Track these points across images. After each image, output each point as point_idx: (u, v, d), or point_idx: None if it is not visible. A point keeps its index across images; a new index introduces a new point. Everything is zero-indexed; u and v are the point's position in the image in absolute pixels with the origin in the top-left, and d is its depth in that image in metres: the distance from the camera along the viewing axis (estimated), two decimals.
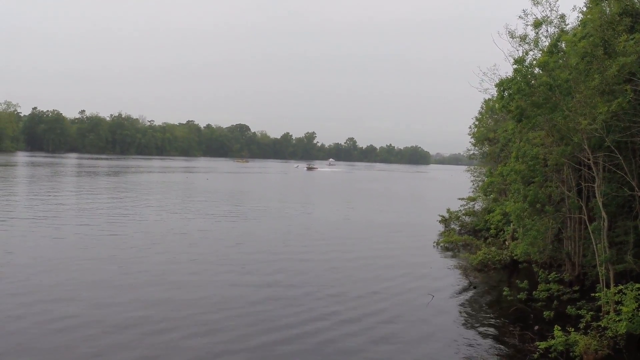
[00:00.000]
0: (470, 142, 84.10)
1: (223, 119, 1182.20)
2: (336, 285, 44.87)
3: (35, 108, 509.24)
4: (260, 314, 35.88)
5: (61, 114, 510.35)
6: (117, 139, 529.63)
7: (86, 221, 69.55)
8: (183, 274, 45.45)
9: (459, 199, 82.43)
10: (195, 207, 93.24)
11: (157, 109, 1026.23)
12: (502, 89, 40.23)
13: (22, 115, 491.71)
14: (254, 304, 37.92)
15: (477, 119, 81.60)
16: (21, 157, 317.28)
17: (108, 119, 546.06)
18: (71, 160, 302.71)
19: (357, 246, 64.23)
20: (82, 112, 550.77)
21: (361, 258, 57.08)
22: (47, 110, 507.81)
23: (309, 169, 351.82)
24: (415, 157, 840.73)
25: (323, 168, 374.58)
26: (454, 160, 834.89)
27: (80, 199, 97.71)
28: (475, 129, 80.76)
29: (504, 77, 43.81)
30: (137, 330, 31.61)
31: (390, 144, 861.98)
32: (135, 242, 57.39)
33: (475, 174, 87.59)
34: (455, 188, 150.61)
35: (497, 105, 46.65)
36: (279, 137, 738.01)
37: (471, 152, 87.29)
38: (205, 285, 42.29)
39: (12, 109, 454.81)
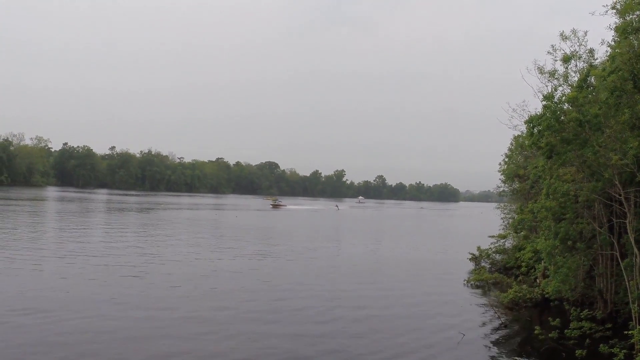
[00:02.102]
0: (500, 179, 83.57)
1: (252, 157, 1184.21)
2: (365, 322, 44.52)
3: (65, 143, 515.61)
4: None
5: (91, 149, 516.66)
6: (146, 175, 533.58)
7: (116, 259, 69.27)
8: (227, 323, 43.79)
9: (490, 236, 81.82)
10: (227, 245, 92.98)
11: (186, 146, 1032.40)
12: (531, 125, 40.03)
13: (52, 150, 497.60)
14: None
15: (506, 156, 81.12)
16: (51, 192, 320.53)
17: (138, 155, 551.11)
18: (101, 195, 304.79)
19: (387, 284, 63.71)
20: (112, 148, 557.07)
21: (391, 296, 56.57)
22: (78, 146, 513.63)
23: (274, 206, 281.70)
24: (444, 194, 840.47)
25: (294, 206, 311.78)
26: (484, 197, 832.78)
27: (109, 235, 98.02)
28: (505, 166, 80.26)
29: (534, 113, 43.69)
30: None
31: (420, 182, 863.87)
32: (166, 283, 56.73)
33: (505, 211, 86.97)
34: (485, 225, 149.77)
35: (526, 141, 46.39)
36: (308, 174, 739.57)
37: (501, 189, 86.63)
38: (254, 335, 41.05)
39: (42, 144, 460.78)
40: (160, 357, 33.73)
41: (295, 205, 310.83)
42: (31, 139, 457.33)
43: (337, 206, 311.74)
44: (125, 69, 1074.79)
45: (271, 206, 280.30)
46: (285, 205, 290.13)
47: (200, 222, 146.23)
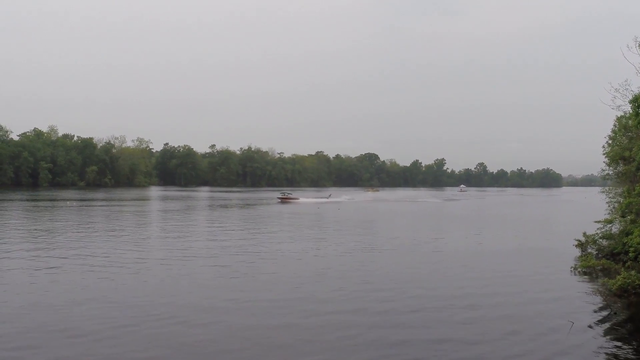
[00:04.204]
0: (604, 161, 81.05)
1: (351, 149, 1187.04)
2: (470, 310, 43.90)
3: (166, 144, 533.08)
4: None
5: (192, 148, 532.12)
6: (247, 172, 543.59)
7: (219, 257, 69.90)
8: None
9: (595, 221, 79.67)
10: (336, 238, 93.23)
11: (285, 142, 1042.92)
12: (636, 104, 38.62)
13: (154, 151, 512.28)
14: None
15: (610, 138, 78.69)
16: (155, 191, 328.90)
17: (238, 152, 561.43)
18: (204, 193, 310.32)
19: (492, 272, 62.58)
20: (213, 146, 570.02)
21: (497, 284, 55.77)
22: (179, 146, 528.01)
23: (283, 200, 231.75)
24: (547, 180, 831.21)
25: (311, 199, 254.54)
26: (587, 181, 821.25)
27: (216, 232, 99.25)
28: (609, 148, 77.83)
29: (637, 92, 42.12)
30: None
31: (521, 168, 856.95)
32: (287, 283, 56.39)
33: (610, 195, 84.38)
34: (590, 210, 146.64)
35: (631, 122, 44.90)
36: (408, 164, 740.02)
37: (605, 172, 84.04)
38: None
39: (144, 145, 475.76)
40: None
41: (309, 199, 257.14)
42: (132, 141, 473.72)
43: (329, 195, 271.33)
44: (222, 73, 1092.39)
45: (279, 200, 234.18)
46: (298, 199, 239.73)
47: (303, 216, 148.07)
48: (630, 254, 62.14)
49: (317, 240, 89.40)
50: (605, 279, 55.28)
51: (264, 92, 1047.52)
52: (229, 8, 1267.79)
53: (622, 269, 57.80)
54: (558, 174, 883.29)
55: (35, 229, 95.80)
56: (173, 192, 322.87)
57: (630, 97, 41.82)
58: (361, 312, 43.05)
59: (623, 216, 70.60)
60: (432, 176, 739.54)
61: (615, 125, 76.87)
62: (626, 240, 65.04)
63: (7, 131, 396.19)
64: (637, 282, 51.48)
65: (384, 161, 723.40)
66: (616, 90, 59.30)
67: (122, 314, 40.77)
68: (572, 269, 64.55)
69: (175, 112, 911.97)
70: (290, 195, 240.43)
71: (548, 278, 60.13)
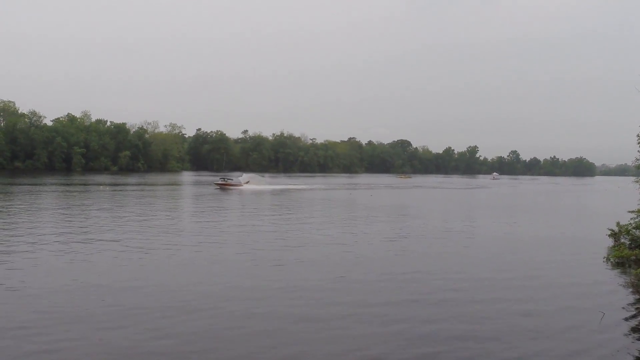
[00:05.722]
0: (638, 151, 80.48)
1: (384, 135, 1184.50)
2: (499, 300, 43.79)
3: (199, 129, 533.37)
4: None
5: (224, 134, 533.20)
6: (279, 157, 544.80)
7: (250, 244, 69.79)
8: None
9: (629, 211, 79.19)
10: (370, 226, 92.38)
11: (317, 129, 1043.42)
12: None
13: (186, 136, 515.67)
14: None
15: None
16: (187, 176, 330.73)
17: (270, 138, 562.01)
18: (236, 178, 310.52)
19: (521, 261, 62.31)
20: (245, 132, 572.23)
21: (526, 272, 55.82)
22: (211, 131, 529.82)
23: (222, 186, 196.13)
24: (580, 169, 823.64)
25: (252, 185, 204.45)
26: (621, 171, 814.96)
27: (245, 218, 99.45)
28: None
29: None
30: None
31: (554, 156, 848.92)
32: (312, 270, 57.04)
33: None
34: (623, 200, 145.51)
35: None
36: (440, 151, 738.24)
37: (639, 161, 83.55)
38: None
39: (177, 131, 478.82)
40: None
41: (259, 185, 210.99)
42: (165, 126, 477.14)
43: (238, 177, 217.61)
44: (250, 54, 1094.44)
45: (217, 186, 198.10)
46: (241, 185, 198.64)
47: (336, 202, 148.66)
48: None
49: (352, 226, 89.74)
50: (638, 270, 55.07)
51: (295, 72, 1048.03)
52: None
53: None
54: (591, 163, 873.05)
55: (69, 213, 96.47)
56: (205, 177, 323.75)
57: None
58: (408, 304, 43.03)
59: None
60: (465, 163, 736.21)
61: None
62: None
63: (40, 116, 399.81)
64: None
65: (416, 148, 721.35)
66: None
67: (153, 300, 41.32)
68: (604, 259, 64.16)
69: (207, 97, 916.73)
70: (230, 182, 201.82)
71: (580, 268, 59.95)
